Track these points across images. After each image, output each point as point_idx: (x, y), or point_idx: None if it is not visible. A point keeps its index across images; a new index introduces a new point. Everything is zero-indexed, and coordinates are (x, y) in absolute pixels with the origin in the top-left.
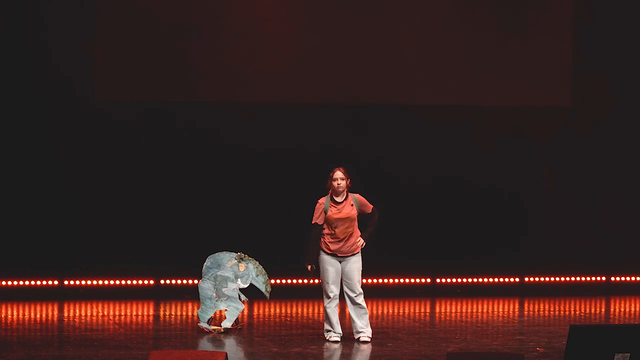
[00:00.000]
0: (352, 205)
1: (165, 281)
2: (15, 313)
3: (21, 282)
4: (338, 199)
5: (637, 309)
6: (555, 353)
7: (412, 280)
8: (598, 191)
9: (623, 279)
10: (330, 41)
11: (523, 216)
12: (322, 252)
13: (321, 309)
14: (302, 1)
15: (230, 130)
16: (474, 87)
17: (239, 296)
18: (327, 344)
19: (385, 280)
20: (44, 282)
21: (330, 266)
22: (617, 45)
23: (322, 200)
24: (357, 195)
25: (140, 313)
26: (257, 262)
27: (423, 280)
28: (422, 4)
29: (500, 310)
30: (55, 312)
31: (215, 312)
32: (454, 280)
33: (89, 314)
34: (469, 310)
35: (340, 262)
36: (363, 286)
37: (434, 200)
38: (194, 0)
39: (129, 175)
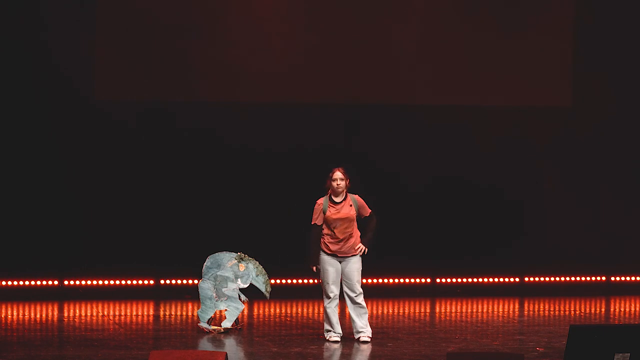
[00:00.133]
0: (350, 205)
1: (165, 281)
2: (15, 313)
3: (21, 282)
4: (337, 199)
5: (637, 309)
6: (555, 353)
7: (412, 280)
8: (598, 191)
9: (623, 279)
10: (330, 41)
11: (523, 216)
12: (322, 253)
13: (321, 309)
14: (302, 1)
15: (230, 130)
16: (474, 87)
17: (239, 296)
18: (327, 344)
19: (385, 280)
20: (44, 282)
21: (330, 266)
22: (617, 45)
23: (320, 200)
24: (357, 197)
25: (140, 313)
26: (257, 262)
27: (423, 280)
28: (422, 4)
29: (500, 310)
30: (55, 312)
31: (215, 312)
32: (454, 280)
33: (89, 314)
34: (469, 310)
35: (340, 262)
36: (363, 286)
37: (434, 200)
38: (194, 0)
39: (129, 175)
